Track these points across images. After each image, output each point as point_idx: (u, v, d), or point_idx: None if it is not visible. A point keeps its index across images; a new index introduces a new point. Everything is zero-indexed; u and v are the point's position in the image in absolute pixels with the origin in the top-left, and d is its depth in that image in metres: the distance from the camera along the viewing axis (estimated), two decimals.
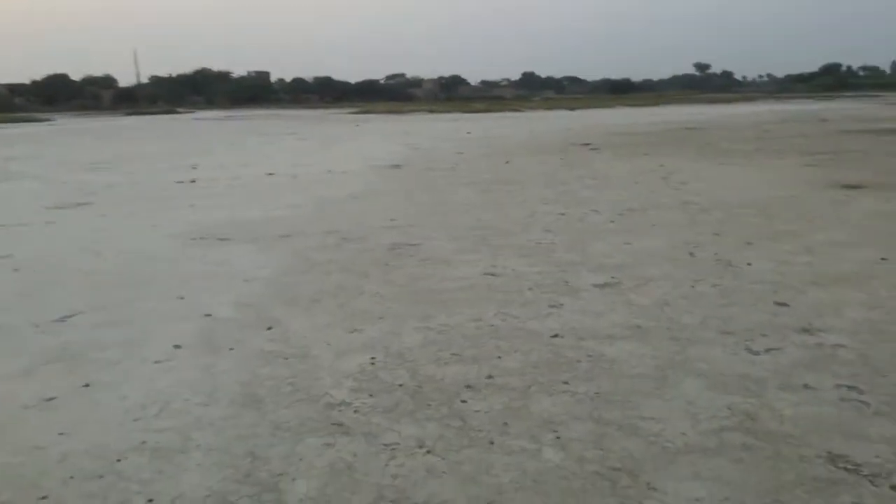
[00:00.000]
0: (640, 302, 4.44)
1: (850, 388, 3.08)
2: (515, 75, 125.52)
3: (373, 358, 3.60)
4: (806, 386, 3.12)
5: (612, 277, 5.04)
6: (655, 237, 6.33)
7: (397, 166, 13.40)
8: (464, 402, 3.07)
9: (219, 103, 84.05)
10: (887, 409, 2.88)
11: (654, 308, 4.30)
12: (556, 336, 3.87)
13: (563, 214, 7.66)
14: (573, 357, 3.56)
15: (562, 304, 4.45)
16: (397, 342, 3.83)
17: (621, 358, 3.52)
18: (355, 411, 3.00)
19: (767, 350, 3.55)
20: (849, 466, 2.46)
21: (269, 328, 4.12)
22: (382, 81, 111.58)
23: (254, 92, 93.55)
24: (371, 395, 3.15)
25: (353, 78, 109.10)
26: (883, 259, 5.30)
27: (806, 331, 3.81)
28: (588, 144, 17.38)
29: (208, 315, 4.40)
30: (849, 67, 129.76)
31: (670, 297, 4.52)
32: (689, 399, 3.02)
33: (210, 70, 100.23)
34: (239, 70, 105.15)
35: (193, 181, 11.67)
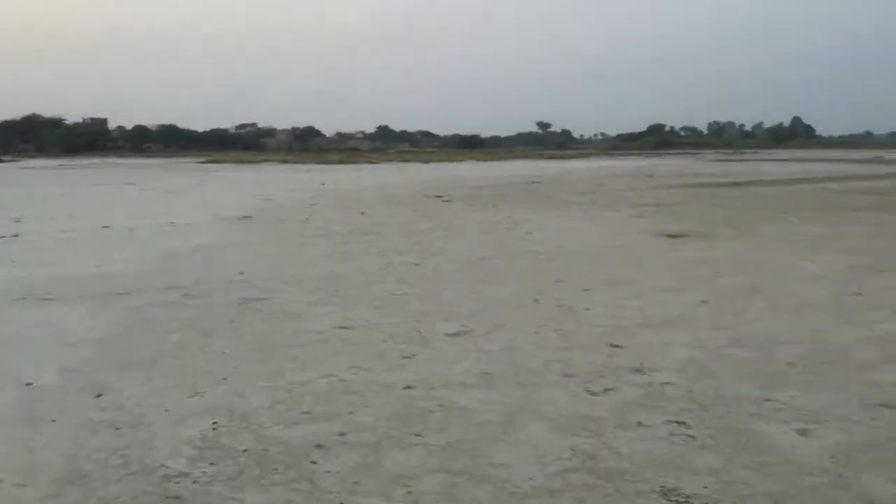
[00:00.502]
0: (490, 349, 4.56)
1: (678, 423, 3.32)
2: (370, 128, 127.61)
3: (215, 422, 3.39)
4: (640, 423, 3.32)
5: (464, 326, 5.15)
6: (504, 285, 6.57)
7: (248, 217, 13.01)
8: (314, 462, 2.97)
9: (51, 151, 77.45)
10: (712, 442, 3.13)
11: (503, 354, 4.44)
12: (409, 387, 3.86)
13: (417, 265, 7.77)
14: (426, 408, 3.57)
15: (415, 355, 4.46)
16: (242, 404, 3.65)
17: (472, 405, 3.57)
18: (194, 482, 2.80)
19: (605, 391, 3.76)
20: (680, 499, 2.63)
21: (99, 395, 3.78)
22: (233, 130, 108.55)
23: (90, 139, 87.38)
24: (212, 464, 2.96)
25: (201, 126, 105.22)
26: (703, 302, 5.83)
27: (638, 371, 4.08)
28: (441, 196, 17.87)
29: (29, 384, 3.96)
30: (671, 128, 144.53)
31: (517, 342, 4.69)
32: (534, 443, 3.11)
33: (40, 116, 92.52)
34: (73, 116, 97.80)
35: (16, 235, 10.62)
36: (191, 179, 28.91)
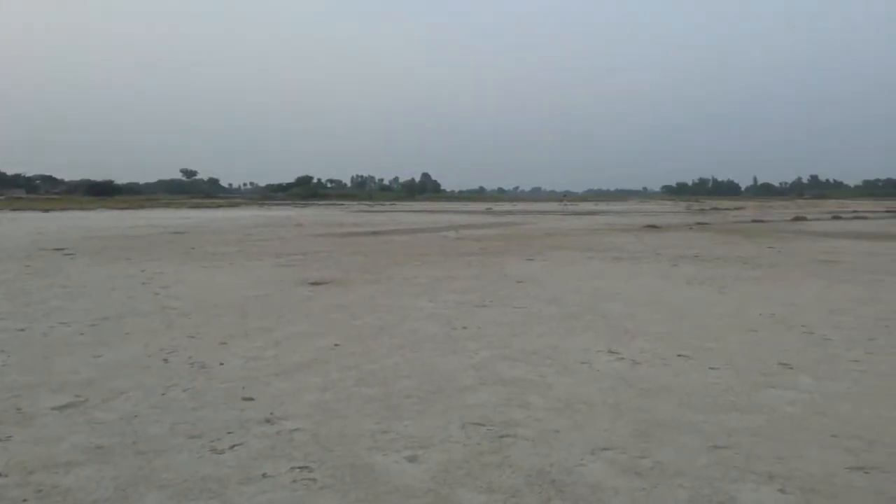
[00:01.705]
0: (106, 419, 4.14)
1: (302, 468, 3.42)
2: None
3: None
4: (264, 475, 3.33)
5: (77, 396, 4.59)
6: (129, 346, 6.05)
7: None
8: None
9: None
10: (331, 482, 3.28)
11: (121, 423, 4.06)
12: None
13: (22, 330, 6.71)
14: (19, 497, 3.07)
15: (10, 437, 3.84)
16: None
17: (78, 486, 3.19)
18: None
19: (232, 447, 3.69)
20: None
21: None
22: None
23: None
24: None
25: None
26: (336, 345, 6.13)
27: (268, 421, 4.10)
28: (62, 249, 15.80)
29: None
30: (319, 179, 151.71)
31: (140, 408, 4.34)
32: None
33: None
34: None
35: None
36: None
